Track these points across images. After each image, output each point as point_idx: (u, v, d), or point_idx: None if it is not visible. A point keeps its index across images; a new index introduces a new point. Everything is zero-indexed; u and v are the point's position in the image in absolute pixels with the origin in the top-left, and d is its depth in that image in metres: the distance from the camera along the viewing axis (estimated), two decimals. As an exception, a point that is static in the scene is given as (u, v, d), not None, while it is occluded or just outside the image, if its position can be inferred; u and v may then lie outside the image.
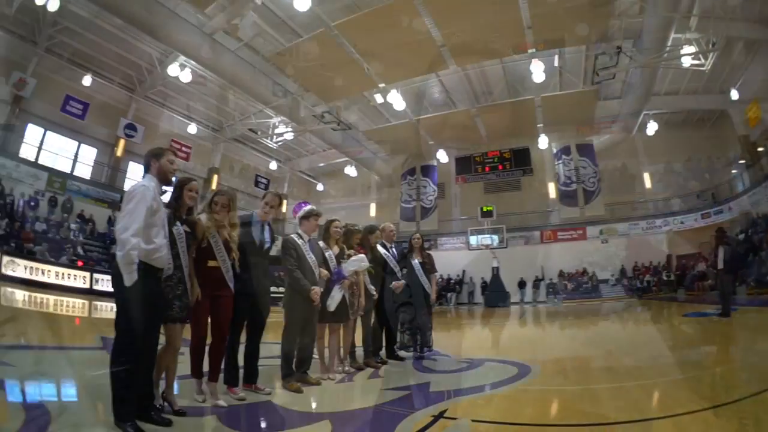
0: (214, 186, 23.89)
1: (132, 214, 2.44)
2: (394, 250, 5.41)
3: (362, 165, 25.52)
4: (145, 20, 14.48)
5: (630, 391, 3.42)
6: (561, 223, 21.73)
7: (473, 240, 21.76)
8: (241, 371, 3.43)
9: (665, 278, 18.80)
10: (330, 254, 4.23)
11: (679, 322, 9.50)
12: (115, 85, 20.33)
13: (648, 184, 21.53)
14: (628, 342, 7.32)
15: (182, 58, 17.08)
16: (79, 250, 15.38)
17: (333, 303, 4.00)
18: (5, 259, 11.78)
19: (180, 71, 17.37)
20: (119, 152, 20.95)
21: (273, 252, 3.74)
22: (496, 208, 21.93)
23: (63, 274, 13.23)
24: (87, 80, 18.72)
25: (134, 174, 21.58)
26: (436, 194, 24.68)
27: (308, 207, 4.18)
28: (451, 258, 22.93)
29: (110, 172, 20.78)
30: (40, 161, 18.78)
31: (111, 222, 17.75)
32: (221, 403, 3.00)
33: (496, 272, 20.41)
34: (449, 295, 21.79)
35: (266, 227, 3.63)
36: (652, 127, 18.62)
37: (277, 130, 22.02)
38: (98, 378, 2.90)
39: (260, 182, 27.76)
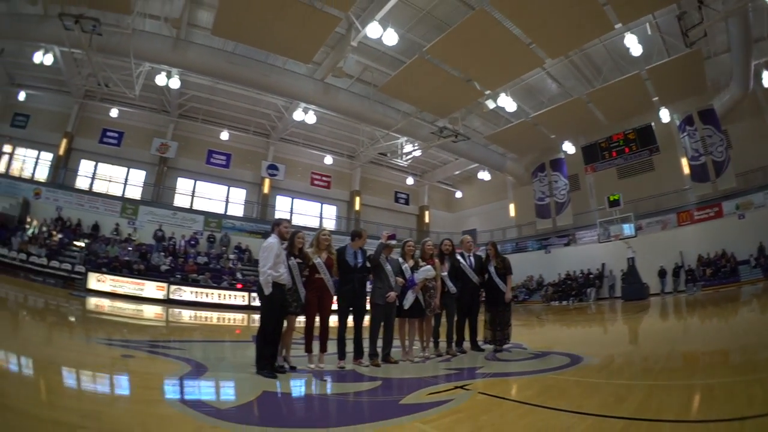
0: (357, 207, 28.16)
1: (266, 257, 4.53)
2: (471, 258, 6.71)
3: (493, 168, 26.69)
4: (262, 82, 17.91)
5: (667, 391, 3.58)
6: (696, 202, 19.86)
7: (603, 231, 21.34)
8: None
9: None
10: (406, 266, 5.85)
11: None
12: (250, 134, 25.12)
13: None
14: (733, 333, 7.16)
15: (303, 104, 20.32)
16: (238, 275, 19.25)
17: (407, 303, 5.62)
18: (172, 287, 16.34)
19: (304, 115, 20.65)
20: (266, 190, 25.62)
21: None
22: (631, 193, 21.21)
23: (225, 295, 17.24)
24: (224, 135, 23.69)
25: (282, 205, 26.58)
26: (568, 187, 24.63)
27: (387, 237, 5.90)
28: (590, 251, 22.74)
29: (260, 207, 25.32)
30: (195, 207, 23.91)
31: None
32: (322, 366, 4.95)
33: (631, 263, 19.67)
34: (589, 290, 21.41)
35: (359, 252, 5.46)
36: (766, 78, 16.55)
37: (405, 150, 24.30)
38: (248, 355, 4.96)
39: (400, 198, 31.06)
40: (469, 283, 6.49)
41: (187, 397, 3.58)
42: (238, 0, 13.09)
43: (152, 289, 16.16)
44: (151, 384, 3.96)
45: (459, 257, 6.63)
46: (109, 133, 22.72)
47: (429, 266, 5.81)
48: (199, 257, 20.27)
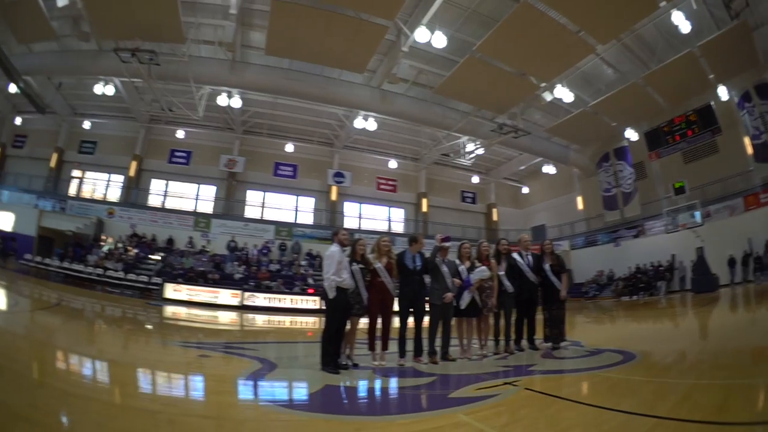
0: (424, 209, 28.39)
1: (329, 264, 4.92)
2: (530, 257, 6.69)
3: (558, 161, 26.06)
4: (319, 94, 18.62)
5: (706, 390, 3.59)
6: (762, 184, 18.11)
7: (670, 221, 20.25)
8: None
9: None
10: (462, 268, 5.95)
11: None
12: (314, 144, 26.06)
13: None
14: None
15: (363, 112, 20.89)
16: (310, 280, 19.99)
17: (463, 303, 5.74)
18: (246, 294, 17.33)
19: (365, 122, 21.21)
20: (333, 197, 26.51)
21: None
22: (698, 178, 19.99)
23: (297, 300, 18.02)
24: (289, 147, 24.75)
25: (350, 211, 27.47)
26: (634, 176, 23.54)
27: (442, 243, 6.03)
28: (659, 243, 21.49)
29: (329, 214, 26.24)
30: (265, 217, 25.14)
31: None
32: (384, 363, 5.17)
33: (700, 253, 18.42)
34: (659, 283, 20.25)
35: (417, 255, 5.66)
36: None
37: (467, 149, 24.23)
38: (317, 354, 5.20)
39: (466, 197, 31.00)
40: (526, 281, 6.49)
41: (256, 389, 3.96)
42: (287, 19, 13.79)
43: (227, 296, 17.19)
44: (225, 378, 4.41)
45: (516, 256, 6.63)
46: (177, 153, 24.61)
47: (484, 267, 5.89)
48: (271, 265, 21.26)
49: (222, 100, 19.12)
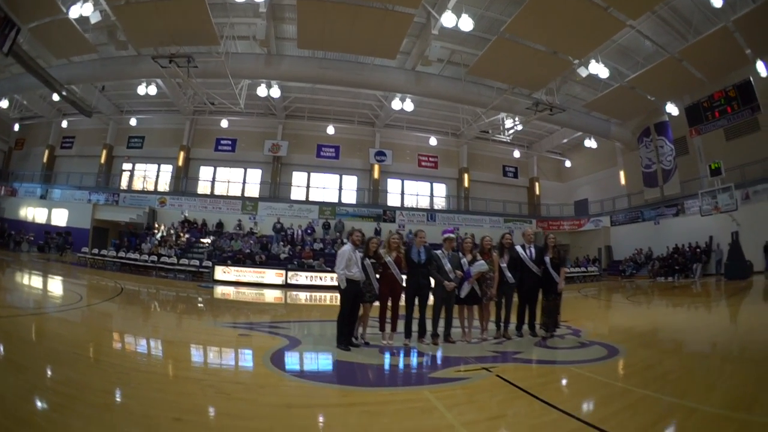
0: (466, 184, 29.23)
1: (340, 260, 5.95)
2: (531, 249, 7.33)
3: (599, 135, 25.83)
4: (355, 80, 19.44)
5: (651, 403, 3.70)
6: None
7: (707, 203, 19.80)
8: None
9: None
10: (464, 260, 6.79)
11: None
12: (355, 124, 27.11)
13: None
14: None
15: (399, 94, 21.60)
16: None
17: (463, 292, 6.60)
18: (290, 273, 18.70)
19: (402, 104, 21.91)
20: (376, 175, 27.70)
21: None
22: (740, 157, 19.48)
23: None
24: (330, 129, 25.79)
25: (393, 188, 28.66)
26: (674, 153, 23.07)
27: (446, 234, 6.88)
28: (698, 223, 21.03)
29: (372, 192, 27.50)
30: (310, 198, 26.59)
31: (377, 232, 23.55)
32: (392, 342, 6.20)
33: (735, 238, 18.02)
34: (695, 266, 20.07)
35: (422, 249, 6.54)
36: None
37: (507, 125, 24.64)
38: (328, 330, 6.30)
39: (508, 171, 31.47)
40: (528, 272, 7.14)
41: (279, 362, 5.03)
42: (314, 15, 14.66)
43: (272, 276, 18.69)
44: (257, 353, 5.54)
45: (519, 249, 7.28)
46: (222, 142, 26.44)
47: (483, 261, 6.70)
48: (315, 244, 22.72)
49: (261, 91, 20.38)
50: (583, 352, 6.00)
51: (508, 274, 7.06)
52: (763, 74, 17.33)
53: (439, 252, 6.65)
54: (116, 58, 19.12)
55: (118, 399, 3.40)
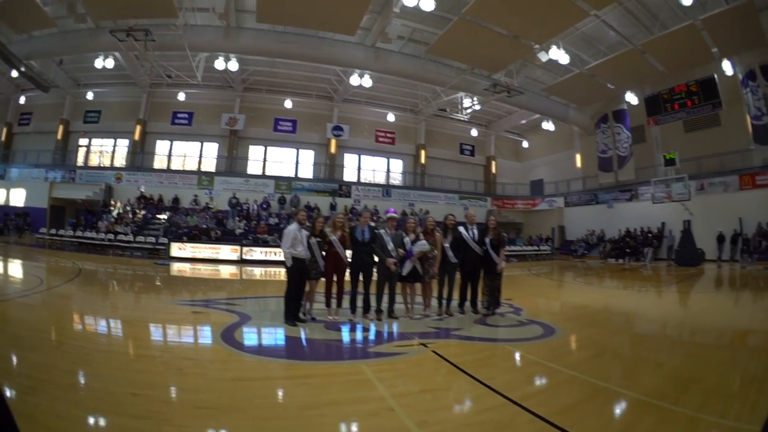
0: (422, 160, 29.80)
1: (286, 239, 6.36)
2: (474, 230, 7.89)
3: (557, 119, 26.77)
4: (314, 55, 19.51)
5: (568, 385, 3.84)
6: (761, 165, 18.71)
7: (659, 191, 21.06)
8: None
9: None
10: (407, 240, 7.30)
11: None
12: (313, 98, 27.07)
13: None
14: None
15: (358, 70, 21.72)
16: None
17: (405, 270, 7.12)
18: (245, 249, 18.95)
19: (360, 79, 22.07)
20: (333, 150, 27.90)
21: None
22: (697, 149, 20.77)
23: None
24: (288, 103, 25.75)
25: (349, 163, 29.02)
26: (631, 140, 24.29)
27: (389, 214, 7.37)
28: (651, 209, 22.46)
29: (328, 167, 27.70)
30: (267, 172, 26.56)
31: (333, 207, 24.06)
32: (337, 318, 6.69)
33: (687, 226, 19.39)
34: (646, 250, 21.45)
35: (366, 228, 7.00)
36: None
37: (465, 104, 25.21)
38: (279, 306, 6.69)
39: (465, 149, 32.23)
40: (470, 252, 7.66)
41: (230, 338, 5.40)
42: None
43: (227, 251, 18.92)
44: (208, 330, 5.95)
45: (462, 229, 7.78)
46: (179, 115, 25.93)
47: (424, 241, 7.21)
48: (270, 219, 22.94)
49: (219, 64, 20.11)
50: (520, 330, 6.36)
51: (450, 254, 7.54)
52: (729, 73, 18.41)
53: (382, 231, 7.10)
54: (75, 32, 18.54)
55: (81, 379, 3.72)
